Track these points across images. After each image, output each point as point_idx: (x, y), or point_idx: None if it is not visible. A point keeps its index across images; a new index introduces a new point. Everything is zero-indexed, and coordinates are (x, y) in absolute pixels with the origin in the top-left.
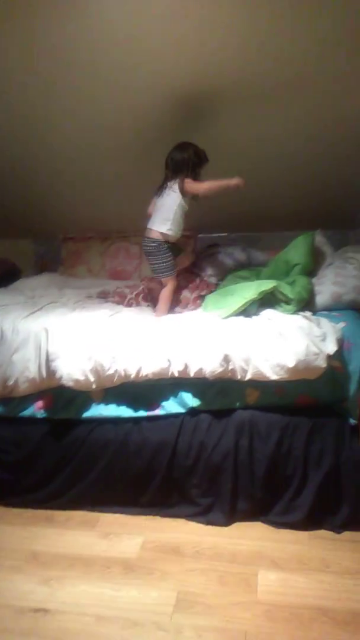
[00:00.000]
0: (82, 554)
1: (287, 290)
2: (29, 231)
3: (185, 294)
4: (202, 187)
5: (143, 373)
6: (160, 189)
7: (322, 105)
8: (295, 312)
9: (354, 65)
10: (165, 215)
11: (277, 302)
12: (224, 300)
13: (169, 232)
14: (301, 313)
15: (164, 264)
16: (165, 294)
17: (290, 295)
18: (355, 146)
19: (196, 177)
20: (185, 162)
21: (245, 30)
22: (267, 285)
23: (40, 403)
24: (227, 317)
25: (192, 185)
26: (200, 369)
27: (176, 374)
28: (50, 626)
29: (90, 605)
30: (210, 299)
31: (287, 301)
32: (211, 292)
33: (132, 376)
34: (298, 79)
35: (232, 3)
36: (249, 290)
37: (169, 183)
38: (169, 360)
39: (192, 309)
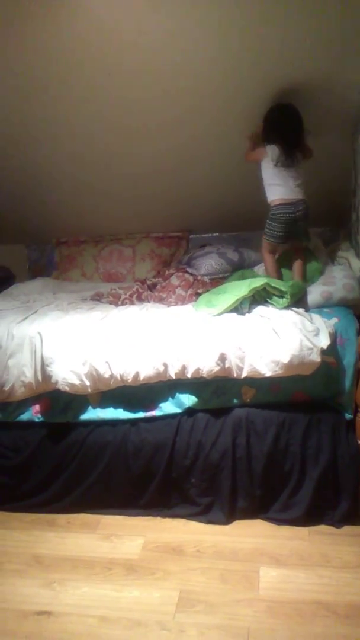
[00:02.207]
0: (84, 556)
1: (280, 284)
2: (22, 236)
3: (180, 292)
4: None
5: (140, 377)
6: (289, 159)
7: (312, 102)
8: (289, 307)
9: None
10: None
11: (270, 298)
12: (216, 299)
13: None
14: (294, 309)
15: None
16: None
17: (284, 289)
18: (343, 142)
19: None
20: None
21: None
22: (258, 282)
23: (37, 407)
24: (219, 314)
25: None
26: (197, 370)
27: (173, 376)
28: (54, 628)
29: (94, 607)
30: (202, 298)
31: (281, 295)
32: (207, 290)
33: (129, 380)
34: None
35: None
36: (241, 287)
37: (298, 154)
38: (165, 364)
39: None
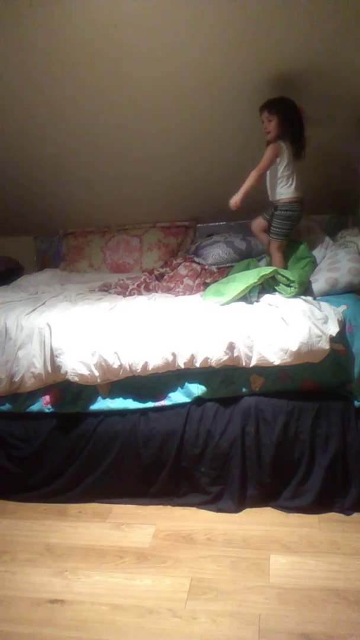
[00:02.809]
0: (96, 545)
1: (288, 274)
2: (30, 228)
3: (188, 281)
4: None
5: (149, 367)
6: (298, 153)
7: (318, 88)
8: (297, 295)
9: None
10: None
11: (277, 286)
12: (225, 288)
13: None
14: (302, 297)
15: None
16: None
17: (292, 278)
18: (351, 127)
19: None
20: None
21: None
22: (267, 270)
23: (47, 398)
24: (228, 302)
25: None
26: (206, 359)
27: (182, 366)
28: (67, 616)
29: (105, 595)
30: (210, 288)
31: (289, 283)
32: (215, 280)
33: (139, 370)
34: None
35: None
36: (250, 276)
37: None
38: (173, 354)
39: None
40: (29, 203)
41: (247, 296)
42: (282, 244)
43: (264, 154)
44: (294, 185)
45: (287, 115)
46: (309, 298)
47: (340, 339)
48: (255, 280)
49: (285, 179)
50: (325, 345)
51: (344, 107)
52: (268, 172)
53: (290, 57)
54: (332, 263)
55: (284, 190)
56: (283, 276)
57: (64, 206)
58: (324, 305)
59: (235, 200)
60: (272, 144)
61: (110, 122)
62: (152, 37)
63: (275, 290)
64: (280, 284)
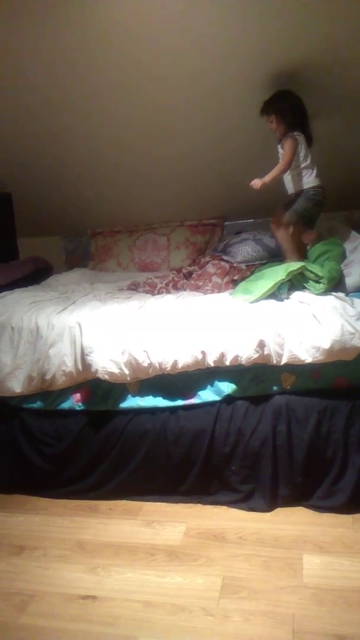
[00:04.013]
0: (127, 542)
1: (317, 270)
2: (59, 228)
3: (216, 280)
4: None
5: (179, 366)
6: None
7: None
8: (326, 291)
9: None
10: None
11: (307, 282)
12: (254, 285)
13: None
14: (334, 293)
15: None
16: None
17: (320, 274)
18: None
19: None
20: None
21: None
22: (295, 266)
23: (78, 395)
24: (257, 300)
25: None
26: (236, 357)
27: (212, 364)
28: (100, 612)
29: (137, 592)
30: (240, 286)
31: (318, 280)
32: (243, 278)
33: (168, 369)
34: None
35: None
36: (278, 272)
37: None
38: (203, 352)
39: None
40: (57, 204)
41: (276, 293)
42: (299, 227)
43: (284, 149)
44: (315, 173)
45: (283, 110)
46: (341, 294)
47: None
48: (283, 276)
49: (306, 168)
50: (358, 342)
51: None
52: None
53: (313, 53)
54: None
55: (308, 179)
56: (311, 272)
57: (92, 206)
58: (357, 301)
59: (257, 181)
60: (288, 138)
61: (137, 120)
62: (178, 33)
63: (304, 287)
64: (310, 281)
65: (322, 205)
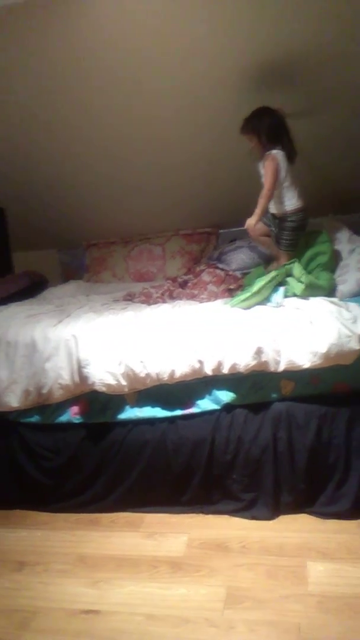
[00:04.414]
0: (129, 555)
1: (302, 273)
2: (53, 241)
3: (212, 288)
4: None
5: (176, 375)
6: (292, 159)
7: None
8: (306, 295)
9: None
10: None
11: (289, 278)
12: (244, 294)
13: None
14: (328, 299)
15: None
16: None
17: (304, 280)
18: None
19: None
20: None
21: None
22: (278, 270)
23: (75, 408)
24: (251, 297)
25: None
26: (234, 365)
27: (209, 373)
28: (103, 626)
29: (140, 605)
30: (236, 297)
31: (300, 278)
32: (239, 286)
33: (165, 379)
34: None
35: None
36: (262, 279)
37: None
38: (200, 361)
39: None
40: (51, 217)
41: (271, 300)
42: (290, 256)
43: (265, 171)
44: (296, 194)
45: (261, 129)
46: (335, 299)
47: None
48: (278, 273)
49: (288, 188)
50: (355, 345)
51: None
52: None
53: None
54: None
55: (290, 202)
56: (298, 268)
57: (86, 218)
58: (352, 305)
59: (251, 222)
60: (267, 157)
61: (128, 132)
62: (165, 46)
63: (284, 284)
64: (293, 276)
65: (303, 228)
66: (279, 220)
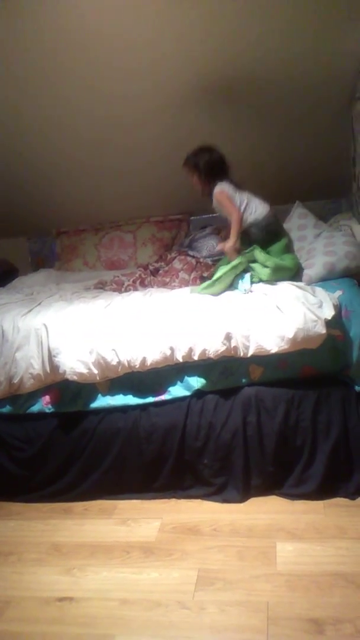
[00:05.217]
0: (102, 542)
1: (264, 258)
2: (23, 229)
3: (183, 275)
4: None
5: (147, 363)
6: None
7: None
8: (273, 279)
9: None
10: None
11: (253, 264)
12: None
13: None
14: (295, 283)
15: None
16: None
17: (268, 264)
18: (341, 111)
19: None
20: None
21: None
22: (240, 258)
23: (47, 398)
24: (213, 283)
25: None
26: (204, 351)
27: (180, 359)
28: (76, 613)
29: (114, 591)
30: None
31: (264, 263)
32: (211, 273)
33: (137, 366)
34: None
35: None
36: (224, 267)
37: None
38: (171, 348)
39: None
40: (21, 204)
41: (238, 287)
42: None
43: (221, 206)
44: (257, 203)
45: (201, 169)
46: (301, 284)
47: (337, 325)
48: (241, 260)
49: (247, 209)
50: (321, 329)
51: (334, 93)
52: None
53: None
54: (327, 245)
55: (255, 215)
56: (260, 253)
57: (56, 205)
58: (318, 290)
59: (230, 245)
60: (215, 194)
61: (98, 115)
62: (136, 25)
63: (249, 270)
64: (257, 262)
65: (274, 229)
66: (251, 225)
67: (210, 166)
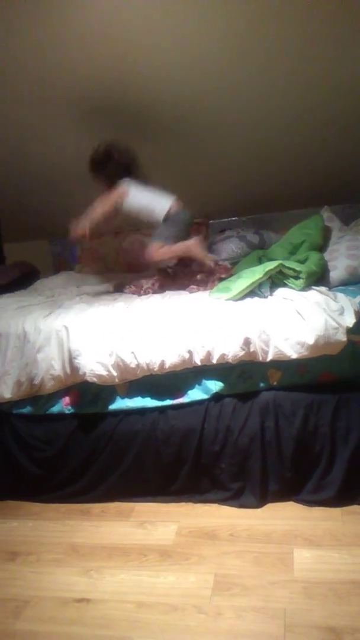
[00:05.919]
0: (120, 544)
1: (294, 265)
2: (45, 232)
3: (202, 278)
4: None
5: (166, 365)
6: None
7: (321, 75)
8: (307, 286)
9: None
10: None
11: (287, 280)
12: (234, 284)
13: None
14: (316, 288)
15: None
16: None
17: (298, 269)
18: (356, 116)
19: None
20: None
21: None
22: (272, 265)
23: (67, 399)
24: (234, 297)
25: None
26: (222, 355)
27: (199, 363)
28: (94, 614)
29: (131, 593)
30: (220, 284)
31: (296, 275)
32: (230, 275)
33: (156, 369)
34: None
35: None
36: (256, 272)
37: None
38: (189, 351)
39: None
40: (43, 207)
41: (257, 292)
42: (161, 245)
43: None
44: (163, 197)
45: (102, 172)
46: (323, 289)
47: (358, 330)
48: (261, 275)
49: (148, 203)
50: (342, 337)
51: (351, 91)
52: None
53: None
54: (350, 248)
55: (157, 208)
56: (290, 268)
57: (79, 209)
58: (340, 296)
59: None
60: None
61: (118, 121)
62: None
63: (285, 285)
64: (290, 278)
65: (184, 221)
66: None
67: (118, 167)
